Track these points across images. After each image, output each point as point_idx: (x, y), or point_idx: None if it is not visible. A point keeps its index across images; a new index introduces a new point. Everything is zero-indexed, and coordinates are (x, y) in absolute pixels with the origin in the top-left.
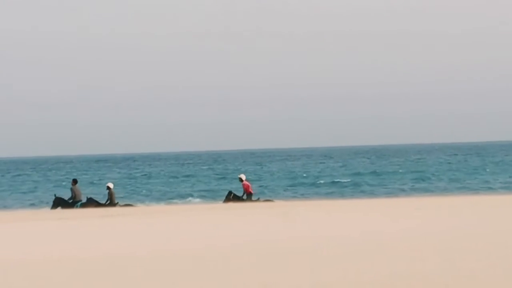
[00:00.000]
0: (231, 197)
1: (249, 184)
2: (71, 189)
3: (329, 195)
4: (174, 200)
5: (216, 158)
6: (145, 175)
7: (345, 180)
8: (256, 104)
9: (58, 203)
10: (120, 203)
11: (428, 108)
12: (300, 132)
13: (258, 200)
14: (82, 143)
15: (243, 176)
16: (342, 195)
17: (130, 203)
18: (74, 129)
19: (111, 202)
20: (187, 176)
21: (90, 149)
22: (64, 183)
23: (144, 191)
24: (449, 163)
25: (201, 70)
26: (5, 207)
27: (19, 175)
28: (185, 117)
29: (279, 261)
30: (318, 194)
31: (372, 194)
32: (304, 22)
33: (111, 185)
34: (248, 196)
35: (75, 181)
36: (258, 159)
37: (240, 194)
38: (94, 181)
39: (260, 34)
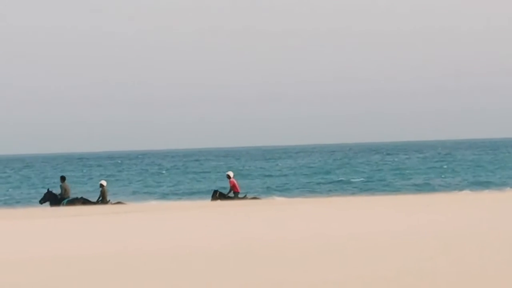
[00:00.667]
0: (217, 195)
1: (235, 182)
2: (61, 186)
3: (345, 191)
4: (197, 196)
5: (227, 155)
6: (163, 171)
7: (359, 179)
8: (255, 102)
9: (48, 198)
10: (111, 201)
11: (432, 105)
12: (301, 130)
13: (245, 197)
14: (87, 140)
15: (230, 173)
16: (361, 192)
17: (122, 200)
18: (78, 127)
19: (103, 199)
20: (207, 172)
21: (91, 146)
22: (84, 179)
23: (164, 186)
24: (464, 159)
25: (203, 69)
26: (28, 203)
27: (32, 171)
28: (189, 115)
29: (289, 259)
30: (343, 190)
31: (388, 190)
32: (310, 20)
33: (104, 183)
34: (235, 194)
35: (63, 178)
36: (271, 154)
37: (240, 192)
38: (108, 177)
39: (266, 31)
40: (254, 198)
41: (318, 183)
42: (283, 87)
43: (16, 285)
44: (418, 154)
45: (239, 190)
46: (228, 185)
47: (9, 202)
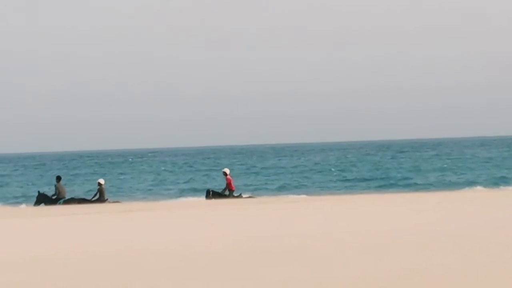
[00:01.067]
0: (210, 195)
1: (232, 180)
2: (55, 186)
3: (360, 189)
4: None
5: (239, 152)
6: (176, 169)
7: (373, 176)
8: (258, 100)
9: (42, 199)
10: (109, 199)
11: (433, 103)
12: (306, 128)
13: (240, 196)
14: (91, 139)
15: (227, 170)
16: (376, 189)
17: (119, 200)
18: (81, 126)
19: (100, 198)
20: (220, 169)
21: (97, 145)
22: (99, 177)
23: (179, 184)
24: (478, 156)
25: (207, 68)
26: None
27: (44, 168)
28: (195, 113)
29: (297, 257)
30: (358, 188)
31: (403, 188)
32: (323, 18)
33: (102, 181)
34: (230, 192)
35: (59, 178)
36: (282, 152)
37: (234, 191)
38: (121, 175)
39: (275, 29)
40: (249, 197)
41: (335, 181)
42: (287, 85)
43: (19, 284)
44: (431, 152)
45: (234, 188)
46: (226, 183)
47: (22, 200)
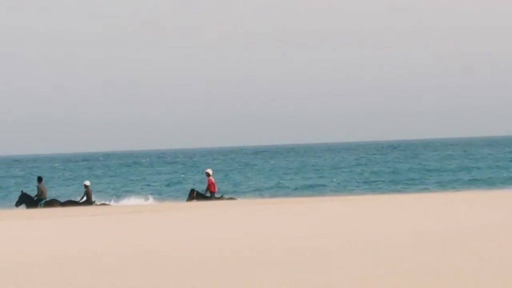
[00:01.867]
0: (194, 195)
1: (214, 181)
2: (37, 187)
3: (381, 189)
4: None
5: (252, 153)
6: (192, 169)
7: (391, 178)
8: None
9: (24, 200)
10: (96, 202)
11: (433, 103)
12: (303, 128)
13: (222, 197)
14: (96, 140)
15: (210, 171)
16: (397, 190)
17: (106, 202)
18: (87, 127)
19: (88, 200)
20: (236, 169)
21: (102, 146)
22: (117, 178)
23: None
24: (495, 156)
25: (211, 65)
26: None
27: (61, 170)
28: (200, 113)
29: (306, 258)
30: (380, 189)
31: (419, 188)
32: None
33: (87, 183)
34: (211, 194)
35: (40, 179)
36: (296, 153)
37: (216, 192)
38: (132, 174)
39: (287, 30)
40: (231, 198)
41: (358, 181)
42: (290, 85)
43: (21, 285)
44: (447, 151)
45: (216, 190)
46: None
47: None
